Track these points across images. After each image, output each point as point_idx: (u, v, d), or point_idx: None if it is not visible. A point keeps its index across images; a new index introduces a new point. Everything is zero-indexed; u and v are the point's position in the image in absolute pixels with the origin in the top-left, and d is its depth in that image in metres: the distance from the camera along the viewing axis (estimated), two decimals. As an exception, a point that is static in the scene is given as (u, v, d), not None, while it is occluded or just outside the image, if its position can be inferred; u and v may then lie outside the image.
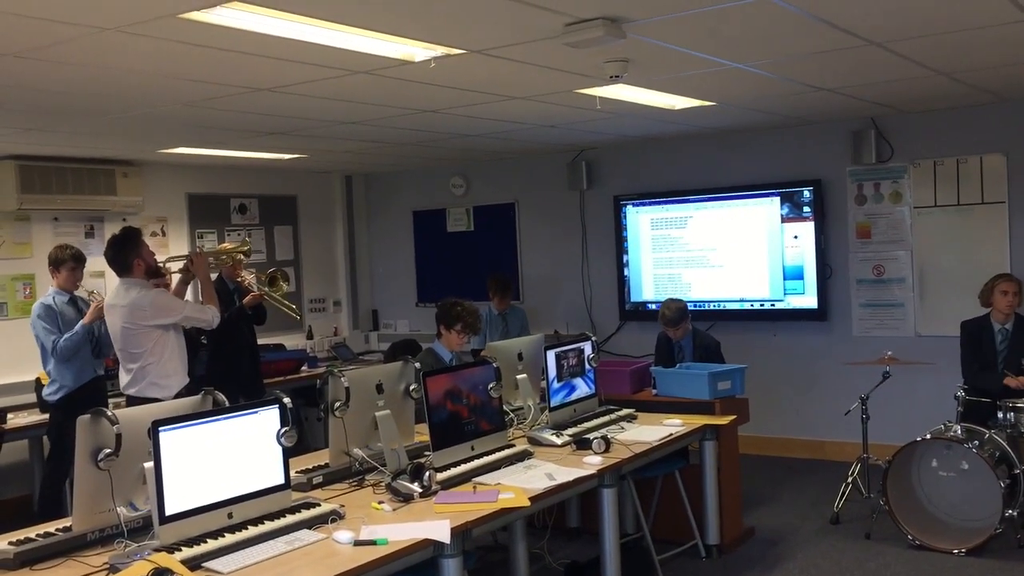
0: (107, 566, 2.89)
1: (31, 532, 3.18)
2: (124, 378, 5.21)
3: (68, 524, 3.17)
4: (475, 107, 5.66)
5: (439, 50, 4.08)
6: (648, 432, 4.76)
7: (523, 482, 3.83)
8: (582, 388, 5.06)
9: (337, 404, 3.88)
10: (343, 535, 3.10)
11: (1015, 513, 5.01)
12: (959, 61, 5.00)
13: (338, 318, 9.58)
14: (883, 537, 5.30)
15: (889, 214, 7.10)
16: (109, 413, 3.10)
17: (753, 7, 3.64)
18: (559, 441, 4.50)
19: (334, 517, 3.31)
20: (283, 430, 3.33)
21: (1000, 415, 5.36)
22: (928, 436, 5.16)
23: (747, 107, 6.26)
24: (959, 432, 5.14)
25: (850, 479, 5.84)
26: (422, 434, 4.21)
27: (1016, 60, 5.03)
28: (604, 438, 4.37)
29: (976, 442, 5.05)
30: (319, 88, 4.81)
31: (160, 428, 2.98)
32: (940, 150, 6.86)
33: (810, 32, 4.12)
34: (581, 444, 4.41)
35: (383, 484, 3.72)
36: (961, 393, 5.42)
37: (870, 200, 7.17)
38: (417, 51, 4.09)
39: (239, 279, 6.58)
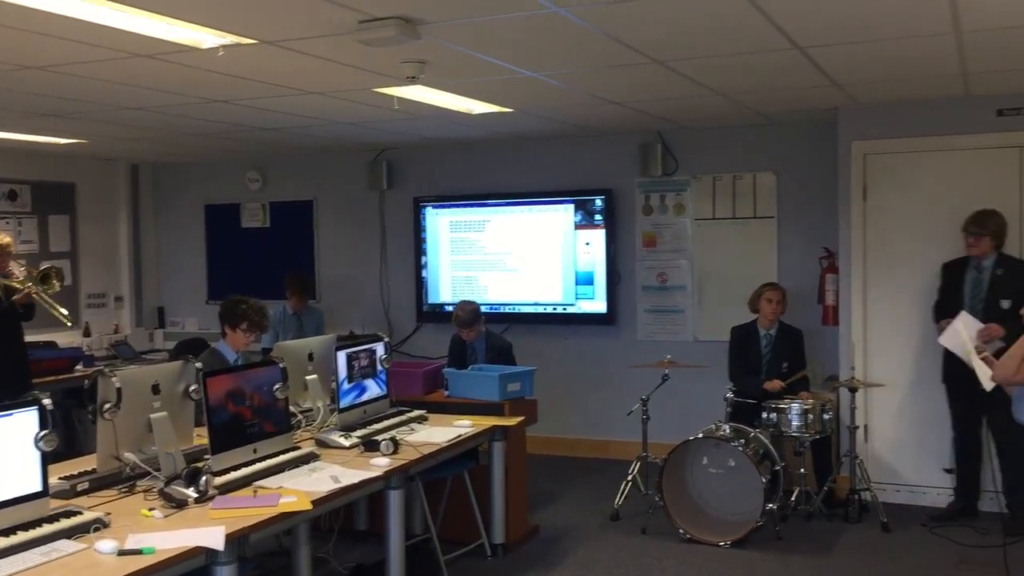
0: None
1: None
2: None
3: None
4: (269, 100, 5.50)
5: (228, 38, 3.94)
6: (438, 433, 4.79)
7: (307, 485, 3.75)
8: (373, 389, 5.02)
9: (107, 406, 3.65)
10: (106, 545, 2.92)
11: (775, 507, 5.41)
12: (732, 83, 5.35)
13: (120, 315, 9.03)
14: (658, 532, 5.57)
15: (673, 224, 7.49)
16: None
17: (544, 18, 3.73)
18: (347, 443, 4.44)
19: (97, 526, 3.12)
20: (42, 434, 3.11)
21: (764, 415, 5.78)
22: (700, 435, 5.49)
23: (543, 116, 6.43)
24: (727, 431, 5.49)
25: (630, 477, 6.10)
26: (203, 437, 4.04)
27: (781, 85, 5.44)
28: (393, 439, 4.36)
29: (742, 441, 5.42)
30: (96, 70, 4.53)
31: None
32: (719, 166, 7.31)
33: (598, 47, 4.28)
34: (369, 446, 4.38)
35: (155, 490, 3.54)
36: (730, 395, 5.81)
37: (656, 211, 7.54)
38: (205, 37, 3.93)
39: (8, 272, 6.09)
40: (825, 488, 5.93)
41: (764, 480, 5.24)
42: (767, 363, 6.21)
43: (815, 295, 6.80)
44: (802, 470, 5.84)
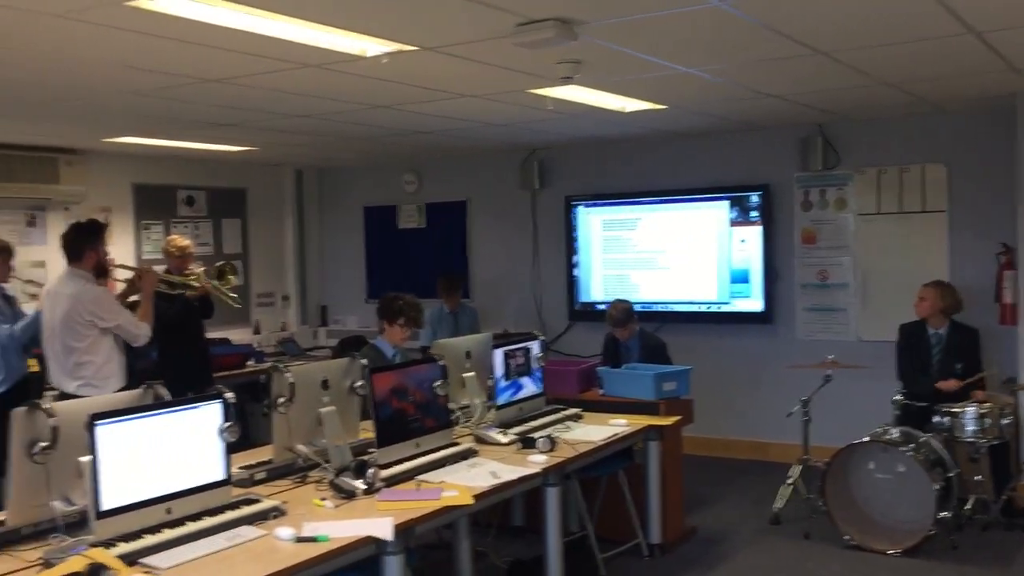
0: (41, 561, 2.83)
1: (-36, 526, 3.10)
2: (58, 373, 5.10)
3: (2, 518, 3.10)
4: (427, 104, 5.65)
5: (392, 46, 4.07)
6: (593, 432, 4.79)
7: (467, 480, 3.83)
8: (529, 387, 5.08)
9: (281, 400, 3.84)
10: (284, 531, 3.08)
11: (948, 515, 5.13)
12: (901, 72, 5.11)
13: (286, 313, 9.49)
14: (821, 537, 5.40)
15: (834, 220, 7.23)
16: (45, 406, 3.04)
17: (703, 13, 3.68)
18: (504, 439, 4.50)
19: (275, 513, 3.29)
20: (225, 425, 3.31)
21: (936, 419, 5.49)
22: (866, 439, 5.27)
23: (697, 111, 6.33)
24: (896, 435, 5.26)
25: (790, 480, 5.92)
26: (367, 431, 4.19)
27: (954, 72, 5.16)
28: (549, 437, 4.40)
29: (912, 445, 5.17)
30: (270, 80, 4.77)
31: (97, 422, 2.93)
32: (884, 159, 7.00)
33: (758, 39, 4.18)
34: (526, 443, 4.42)
35: (326, 481, 3.70)
36: (899, 397, 5.56)
37: (816, 206, 7.29)
38: (369, 46, 4.07)
39: (187, 272, 6.49)
40: (1004, 497, 5.58)
41: (936, 487, 4.99)
42: (937, 363, 5.89)
43: (992, 293, 6.41)
44: (978, 477, 5.51)
